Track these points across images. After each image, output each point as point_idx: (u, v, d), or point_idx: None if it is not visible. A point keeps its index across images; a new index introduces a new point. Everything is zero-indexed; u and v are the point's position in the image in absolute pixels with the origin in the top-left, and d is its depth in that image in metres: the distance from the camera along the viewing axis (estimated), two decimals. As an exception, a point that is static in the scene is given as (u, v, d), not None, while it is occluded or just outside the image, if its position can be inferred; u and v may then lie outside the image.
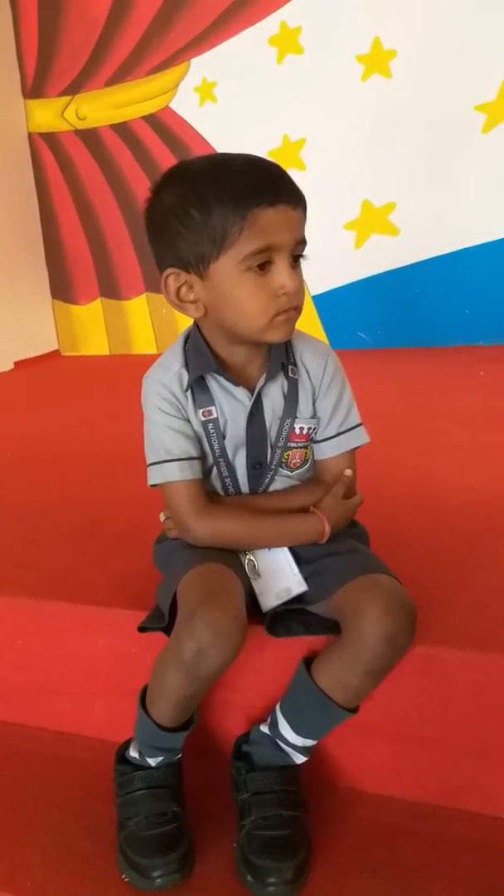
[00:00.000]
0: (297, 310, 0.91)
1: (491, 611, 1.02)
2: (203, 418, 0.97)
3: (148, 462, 0.99)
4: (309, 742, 0.96)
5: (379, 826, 0.97)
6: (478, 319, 2.85)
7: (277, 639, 0.98)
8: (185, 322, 3.67)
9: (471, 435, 1.86)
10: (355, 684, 0.91)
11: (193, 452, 0.97)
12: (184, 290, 0.92)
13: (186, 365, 0.97)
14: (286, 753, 0.96)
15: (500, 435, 1.83)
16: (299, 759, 0.96)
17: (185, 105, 3.09)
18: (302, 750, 0.96)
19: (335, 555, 0.97)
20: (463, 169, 2.77)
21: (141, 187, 3.23)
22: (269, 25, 2.87)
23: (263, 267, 0.87)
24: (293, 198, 0.87)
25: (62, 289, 3.53)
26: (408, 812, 0.99)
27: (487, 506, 1.39)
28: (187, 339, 1.00)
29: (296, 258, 0.90)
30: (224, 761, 1.02)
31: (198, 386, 0.96)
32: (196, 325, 0.99)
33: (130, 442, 1.94)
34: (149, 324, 3.39)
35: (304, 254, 0.91)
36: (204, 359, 0.96)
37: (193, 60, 3.02)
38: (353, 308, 2.96)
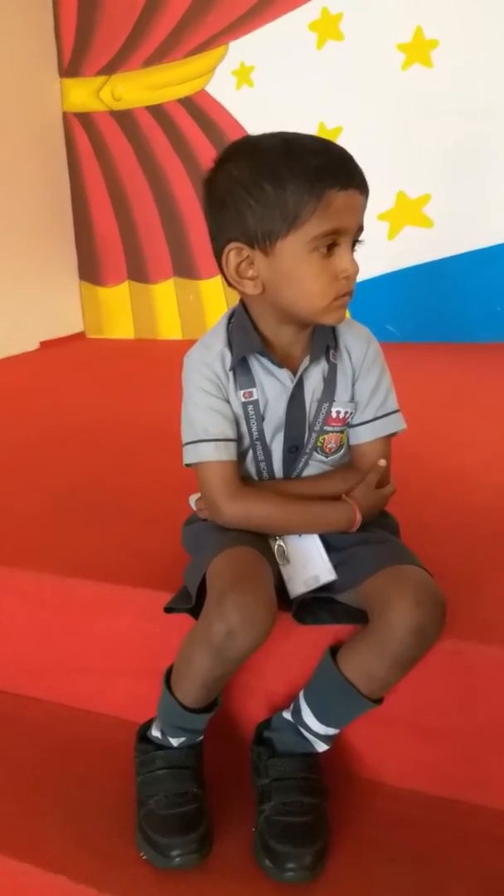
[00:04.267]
0: (351, 294, 0.91)
1: (520, 607, 1.01)
2: (244, 399, 0.96)
3: (184, 441, 0.98)
4: (331, 731, 0.95)
5: (398, 817, 0.97)
6: (509, 316, 2.82)
7: (303, 626, 0.98)
8: (212, 309, 3.63)
9: (500, 431, 1.84)
10: (381, 675, 0.90)
11: (230, 434, 0.96)
12: (244, 265, 0.91)
13: (230, 345, 0.96)
14: (308, 741, 0.95)
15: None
16: (321, 747, 0.96)
17: (222, 89, 3.07)
18: (324, 738, 0.95)
19: (365, 544, 0.97)
20: (500, 164, 2.73)
21: (174, 170, 3.22)
22: (310, 10, 2.83)
23: (330, 249, 0.87)
24: (362, 184, 0.88)
25: (90, 270, 3.53)
26: (428, 805, 0.98)
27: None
28: (230, 318, 0.99)
29: (354, 243, 0.90)
30: (244, 746, 1.02)
31: (240, 367, 0.96)
32: (242, 304, 0.98)
33: (156, 425, 1.94)
34: (175, 309, 3.39)
35: (361, 239, 0.91)
36: (249, 338, 0.95)
37: (231, 44, 3.00)
38: (382, 300, 2.93)
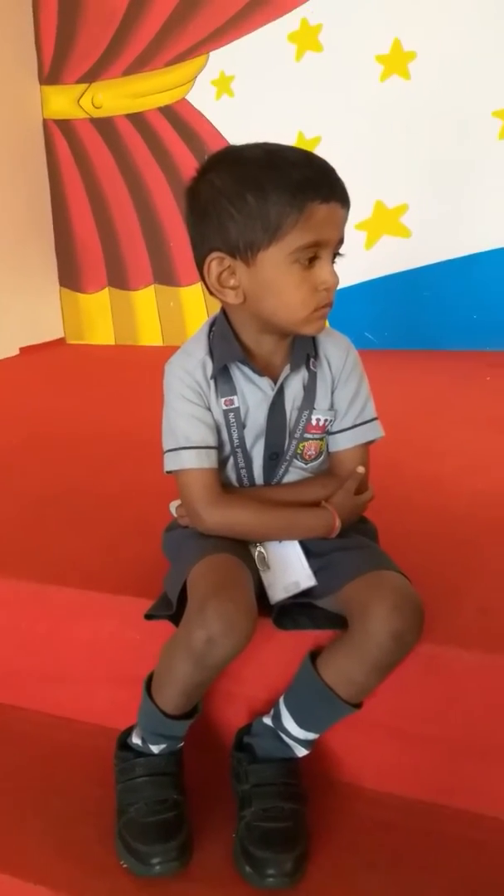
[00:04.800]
0: (331, 305, 0.91)
1: (497, 613, 1.03)
2: (225, 407, 0.97)
3: (165, 448, 0.99)
4: (311, 735, 0.96)
5: (378, 822, 0.97)
6: (486, 325, 2.85)
7: (283, 632, 0.98)
8: (192, 316, 3.63)
9: (476, 439, 1.86)
10: (361, 680, 0.91)
11: (211, 441, 0.97)
12: (225, 275, 0.91)
13: (211, 353, 0.97)
14: (288, 746, 0.96)
15: (502, 438, 1.83)
16: (301, 752, 0.96)
17: (202, 98, 3.08)
18: (304, 743, 0.96)
19: (345, 550, 0.98)
20: (477, 174, 2.76)
21: (154, 179, 3.22)
22: (289, 22, 2.86)
23: (311, 261, 0.88)
24: (343, 197, 0.88)
25: (70, 277, 3.52)
26: (407, 809, 0.99)
27: (493, 509, 1.39)
28: (212, 326, 0.99)
29: (334, 255, 0.91)
30: (223, 752, 1.03)
31: (221, 375, 0.96)
32: (223, 313, 0.98)
33: (137, 431, 1.94)
34: (155, 315, 3.39)
35: (341, 252, 0.92)
36: (230, 347, 0.96)
37: (212, 53, 3.01)
38: (360, 308, 2.96)
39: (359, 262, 2.93)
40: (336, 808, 0.99)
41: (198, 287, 3.18)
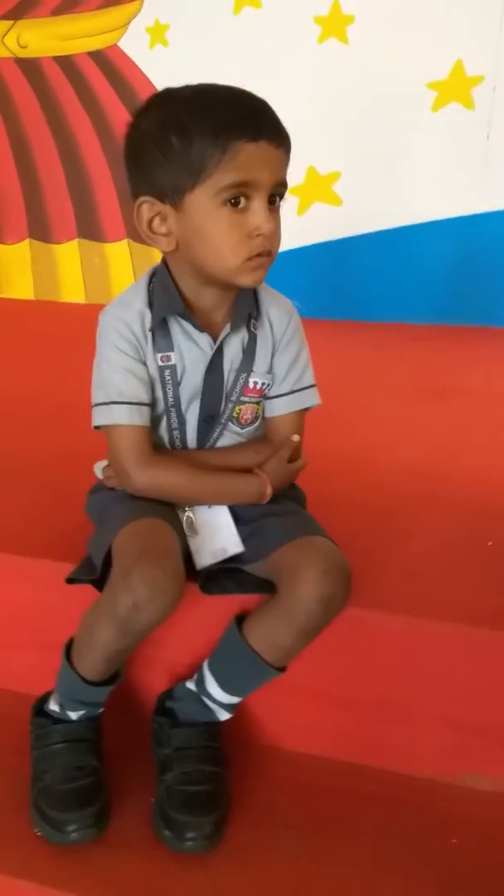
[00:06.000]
0: (271, 255, 0.89)
1: (421, 577, 1.05)
2: (161, 363, 0.93)
3: (94, 402, 0.94)
4: (235, 699, 0.96)
5: (296, 783, 0.98)
6: (410, 298, 2.89)
7: (210, 597, 0.97)
8: (118, 273, 3.51)
9: (400, 409, 1.89)
10: (287, 644, 0.91)
11: (145, 398, 0.93)
12: (157, 221, 0.88)
13: (150, 305, 0.93)
14: (211, 710, 0.95)
15: (428, 410, 1.87)
16: (224, 715, 0.96)
17: (135, 46, 2.95)
18: (227, 707, 0.96)
19: (274, 515, 0.97)
20: (410, 146, 2.77)
21: (82, 126, 3.08)
22: (228, -27, 2.76)
23: (237, 202, 0.84)
24: (276, 136, 0.85)
25: (-12, 226, 3.35)
26: (324, 769, 1.00)
27: (416, 477, 1.42)
28: (152, 277, 0.95)
29: (273, 199, 0.87)
30: (143, 717, 1.01)
31: (160, 328, 0.93)
32: (164, 262, 0.95)
33: (58, 391, 1.88)
34: (79, 271, 3.27)
35: (282, 196, 0.88)
36: (171, 299, 0.92)
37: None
38: (289, 275, 2.92)
39: (290, 228, 2.90)
40: (256, 771, 1.00)
41: (124, 244, 3.08)
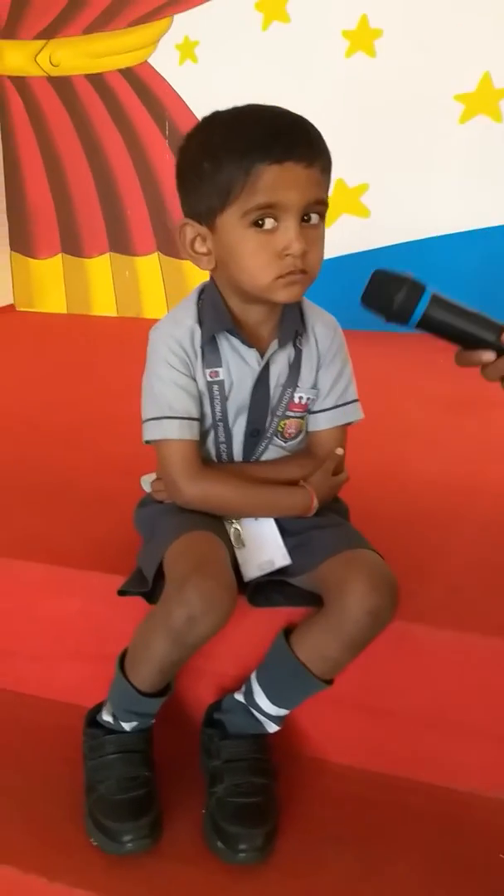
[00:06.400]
0: (307, 272, 0.89)
1: (465, 591, 1.05)
2: (210, 378, 0.95)
3: (146, 417, 0.96)
4: (283, 711, 0.96)
5: (342, 795, 0.99)
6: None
7: (257, 609, 0.98)
8: (148, 286, 3.54)
9: (434, 420, 1.88)
10: (335, 656, 0.92)
11: (195, 413, 0.95)
12: (198, 241, 0.92)
13: (200, 321, 0.95)
14: (259, 722, 0.96)
15: (461, 420, 1.86)
16: (272, 728, 0.97)
17: (165, 62, 2.99)
18: (275, 719, 0.96)
19: (320, 528, 0.98)
20: (437, 158, 2.77)
21: (113, 143, 3.13)
22: (257, -11, 2.80)
23: (263, 223, 0.85)
24: (308, 155, 0.85)
25: (22, 241, 3.40)
26: (371, 782, 1.01)
27: (448, 489, 1.42)
28: (201, 294, 0.98)
29: (307, 218, 0.87)
30: (192, 729, 1.03)
31: (209, 344, 0.95)
32: (212, 279, 0.97)
33: (94, 404, 1.90)
34: (110, 285, 3.31)
35: (321, 213, 0.89)
36: (220, 315, 0.94)
37: (176, 17, 2.92)
38: (318, 287, 2.95)
39: (319, 240, 2.92)
40: (303, 783, 1.00)
41: (155, 257, 3.12)
